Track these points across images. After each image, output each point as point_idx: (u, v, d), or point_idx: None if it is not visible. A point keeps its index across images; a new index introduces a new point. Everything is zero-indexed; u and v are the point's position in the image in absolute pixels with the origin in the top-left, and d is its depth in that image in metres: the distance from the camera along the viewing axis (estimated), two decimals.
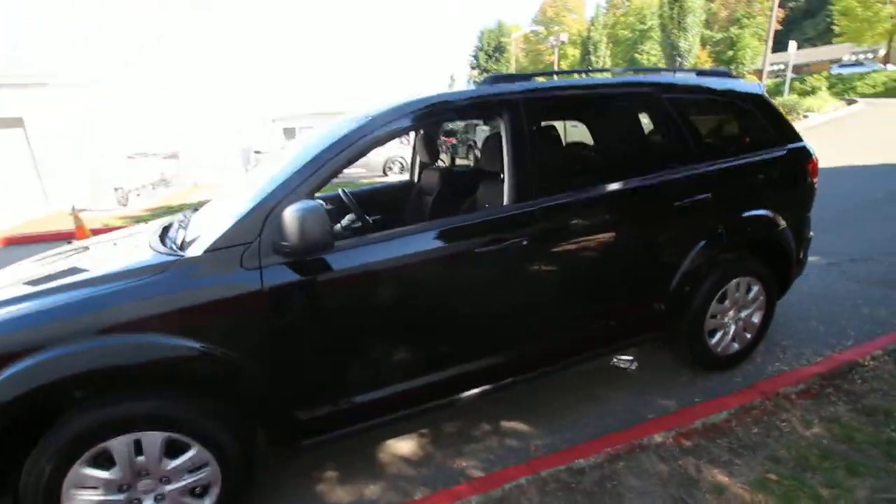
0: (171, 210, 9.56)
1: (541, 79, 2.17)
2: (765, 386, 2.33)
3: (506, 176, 1.96)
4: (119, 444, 1.45)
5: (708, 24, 33.25)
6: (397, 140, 11.74)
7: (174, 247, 1.73)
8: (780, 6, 17.10)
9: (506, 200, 1.95)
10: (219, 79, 18.34)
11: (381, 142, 1.79)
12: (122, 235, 2.38)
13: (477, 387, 1.98)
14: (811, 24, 48.14)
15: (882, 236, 4.66)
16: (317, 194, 1.73)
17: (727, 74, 2.60)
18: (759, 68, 20.21)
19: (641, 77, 2.34)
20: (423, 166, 3.25)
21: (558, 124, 2.73)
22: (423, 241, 1.79)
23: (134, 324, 1.43)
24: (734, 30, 34.69)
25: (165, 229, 2.08)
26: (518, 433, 2.21)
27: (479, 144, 14.20)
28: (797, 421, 2.11)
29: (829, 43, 36.01)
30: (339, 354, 1.72)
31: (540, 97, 2.05)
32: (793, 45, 18.56)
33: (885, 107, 17.92)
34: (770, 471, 1.83)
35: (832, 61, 33.31)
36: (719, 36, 34.74)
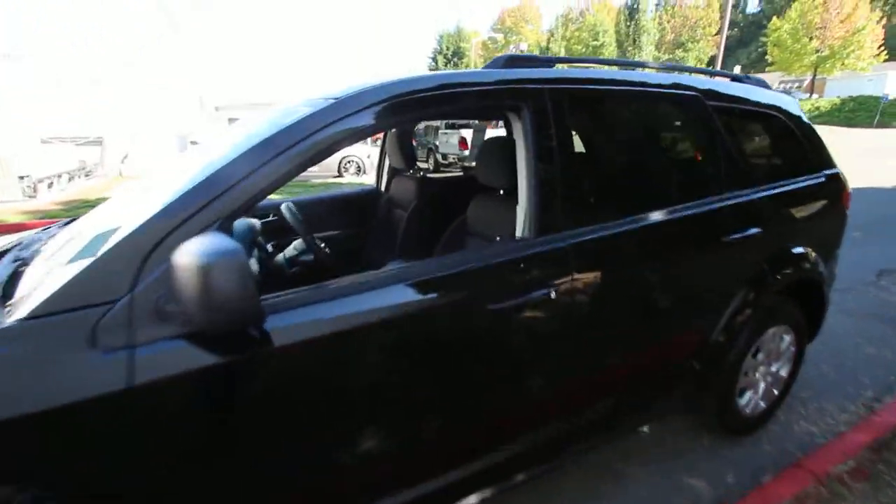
0: (87, 204, 8.23)
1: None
2: (813, 465, 1.91)
3: (523, 197, 1.40)
4: None
5: (656, 46, 34.79)
6: None
7: None
8: (719, 33, 18.02)
9: (522, 231, 1.39)
10: (153, 59, 16.62)
11: (348, 139, 1.15)
12: None
13: (480, 491, 1.39)
14: (744, 53, 51.98)
15: (856, 263, 4.56)
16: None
17: (766, 85, 2.19)
18: None
19: (686, 78, 1.86)
20: (393, 172, 2.63)
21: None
22: (415, 292, 1.18)
23: None
24: (679, 52, 36.59)
25: None
26: None
27: (440, 148, 13.43)
28: None
29: (762, 71, 38.77)
30: (266, 481, 1.08)
31: (577, 89, 1.49)
32: (737, 69, 19.60)
33: (820, 133, 19.30)
34: None
35: None
36: (665, 57, 36.47)
